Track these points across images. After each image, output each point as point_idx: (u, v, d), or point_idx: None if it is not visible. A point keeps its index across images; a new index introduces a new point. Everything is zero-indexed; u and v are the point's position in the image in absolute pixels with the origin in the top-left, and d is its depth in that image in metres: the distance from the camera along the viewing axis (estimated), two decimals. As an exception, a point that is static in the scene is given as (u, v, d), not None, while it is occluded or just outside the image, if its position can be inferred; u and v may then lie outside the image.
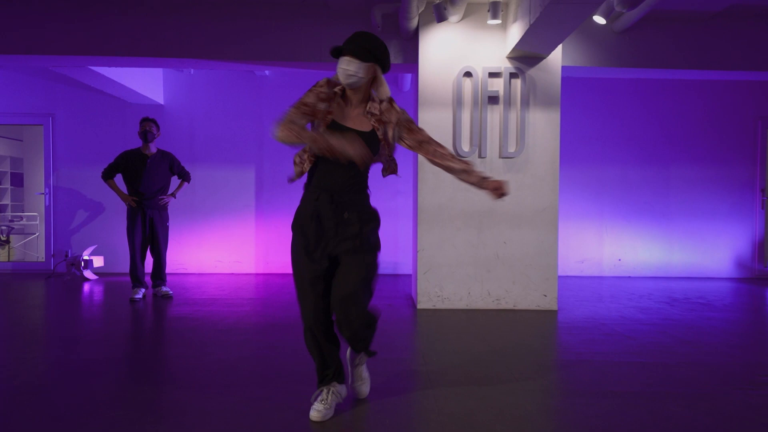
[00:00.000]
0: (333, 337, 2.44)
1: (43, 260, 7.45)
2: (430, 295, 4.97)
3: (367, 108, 2.35)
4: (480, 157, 4.94)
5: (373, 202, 2.51)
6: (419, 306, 4.97)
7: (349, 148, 2.14)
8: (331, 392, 2.42)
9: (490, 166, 4.95)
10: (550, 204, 4.96)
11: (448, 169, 2.43)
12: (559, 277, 6.95)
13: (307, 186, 2.41)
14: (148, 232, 5.31)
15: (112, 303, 5.19)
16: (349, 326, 2.35)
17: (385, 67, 2.37)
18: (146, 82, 6.82)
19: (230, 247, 7.31)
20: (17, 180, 9.42)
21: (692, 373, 3.15)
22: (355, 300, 2.31)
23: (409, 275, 7.08)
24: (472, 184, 2.42)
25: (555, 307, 4.97)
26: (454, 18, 4.84)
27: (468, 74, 4.94)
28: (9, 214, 8.89)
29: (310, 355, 2.46)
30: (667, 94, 7.28)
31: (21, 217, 8.91)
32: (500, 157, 4.95)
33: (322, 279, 2.35)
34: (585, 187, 7.30)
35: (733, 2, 4.91)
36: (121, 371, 3.16)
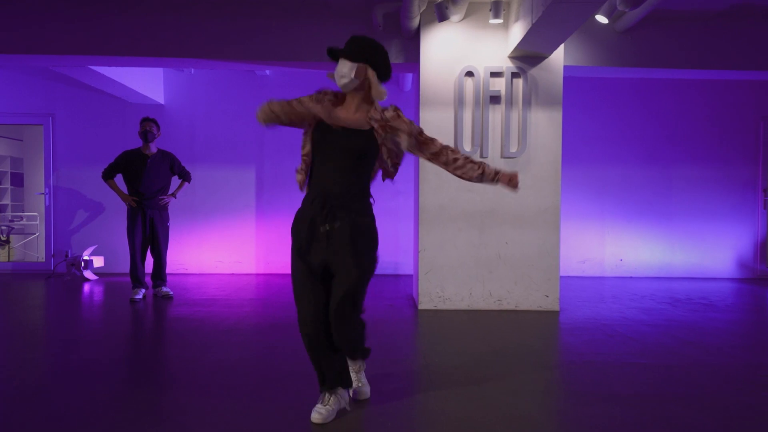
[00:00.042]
0: (332, 342, 2.40)
1: (43, 260, 7.43)
2: (432, 295, 4.95)
3: (370, 114, 2.33)
4: (482, 157, 4.92)
5: (374, 202, 2.44)
6: (420, 307, 4.95)
7: (303, 104, 2.25)
8: (333, 395, 2.40)
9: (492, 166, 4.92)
10: (552, 204, 4.94)
11: (464, 177, 2.42)
12: (561, 277, 6.92)
13: (307, 188, 2.39)
14: (149, 233, 5.29)
15: (112, 303, 5.18)
16: (337, 339, 2.38)
17: (380, 68, 2.31)
18: (146, 82, 6.81)
19: (231, 248, 7.29)
20: (17, 180, 9.40)
21: (695, 375, 3.12)
22: (340, 317, 2.31)
23: (410, 275, 7.06)
24: (488, 182, 2.44)
25: (557, 308, 4.95)
26: (455, 17, 4.82)
27: (469, 74, 4.92)
28: (9, 214, 8.87)
29: (310, 359, 2.43)
30: (669, 93, 7.26)
31: (21, 217, 8.90)
32: (502, 157, 4.92)
33: (318, 283, 2.33)
34: (586, 187, 7.28)
35: (735, 2, 4.89)
36: (121, 372, 3.15)
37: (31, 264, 7.59)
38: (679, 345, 3.79)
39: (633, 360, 3.41)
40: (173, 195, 5.42)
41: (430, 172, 4.92)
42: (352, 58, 2.26)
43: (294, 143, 6.90)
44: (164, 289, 5.43)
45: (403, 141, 2.35)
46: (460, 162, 2.40)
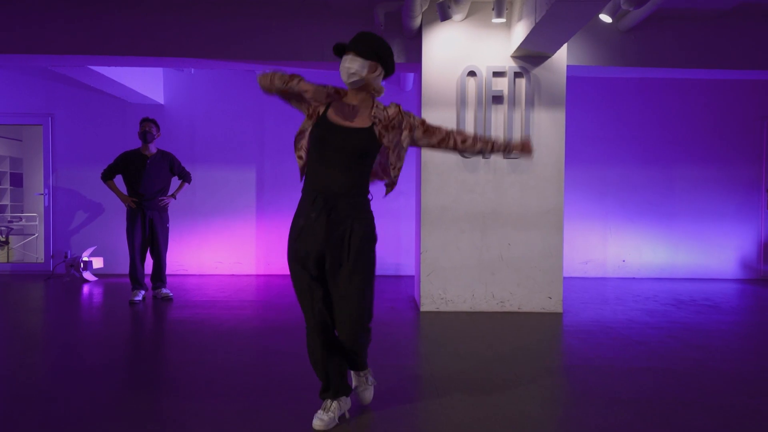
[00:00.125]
0: (336, 346, 2.36)
1: (42, 261, 7.39)
2: (434, 297, 4.91)
3: (372, 113, 2.29)
4: (484, 157, 4.87)
5: (375, 202, 2.38)
6: (422, 308, 4.91)
7: (307, 94, 2.19)
8: (334, 402, 2.36)
9: (494, 167, 4.89)
10: (555, 205, 4.90)
11: (475, 153, 2.46)
12: (563, 278, 6.88)
13: (304, 189, 2.33)
14: (148, 234, 5.25)
15: (112, 305, 5.14)
16: (353, 351, 2.37)
17: (389, 67, 2.31)
18: (146, 82, 6.77)
19: (231, 248, 7.25)
20: (17, 180, 9.36)
21: (701, 379, 3.08)
22: (360, 329, 2.32)
23: (412, 276, 7.02)
24: (504, 153, 2.46)
25: (560, 310, 4.91)
26: (457, 16, 4.78)
27: (472, 74, 4.87)
28: (8, 214, 8.83)
29: (313, 367, 2.39)
30: (671, 93, 7.21)
31: (20, 218, 8.86)
32: (504, 157, 4.88)
33: (319, 285, 2.29)
34: (588, 187, 7.23)
35: (738, 1, 4.84)
36: (120, 375, 3.11)
37: (30, 265, 7.55)
38: (685, 348, 3.74)
39: (639, 364, 3.36)
40: (173, 196, 5.38)
41: (432, 172, 4.88)
42: (365, 56, 2.22)
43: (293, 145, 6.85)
44: (164, 290, 5.39)
45: (406, 138, 2.33)
46: (469, 142, 2.40)
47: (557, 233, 4.90)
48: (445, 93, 4.89)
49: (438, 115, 4.88)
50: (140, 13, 5.06)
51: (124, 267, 6.93)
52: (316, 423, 2.30)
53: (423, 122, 2.37)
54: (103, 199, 7.11)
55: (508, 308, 4.91)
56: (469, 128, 4.89)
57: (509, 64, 4.87)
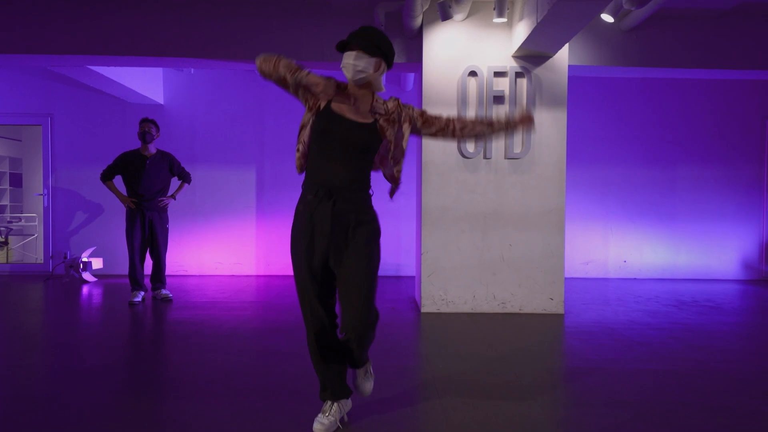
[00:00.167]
0: (337, 348, 2.34)
1: (42, 262, 7.37)
2: (435, 298, 4.89)
3: (373, 107, 2.27)
4: (485, 158, 4.86)
5: (375, 202, 2.36)
6: (423, 310, 4.89)
7: (318, 86, 2.13)
8: (334, 404, 2.33)
9: (495, 167, 4.87)
10: (557, 205, 4.87)
11: (479, 136, 2.38)
12: (564, 279, 6.86)
13: (304, 183, 2.28)
14: (148, 234, 5.23)
15: (111, 306, 5.12)
16: (359, 347, 2.31)
17: (390, 63, 2.29)
18: (146, 82, 6.75)
19: (231, 249, 7.23)
20: (16, 180, 9.34)
21: (707, 382, 3.06)
22: (366, 324, 2.25)
23: (412, 277, 7.00)
24: (507, 131, 2.38)
25: (561, 311, 4.89)
26: (459, 16, 4.76)
27: (473, 73, 4.85)
28: (8, 215, 8.81)
29: (313, 367, 2.36)
30: (673, 93, 7.19)
31: (19, 218, 8.84)
32: (506, 157, 4.86)
33: (319, 285, 2.26)
34: (590, 187, 7.21)
35: (740, 1, 4.82)
36: (120, 377, 3.09)
37: (29, 265, 7.53)
38: (687, 350, 3.72)
39: (641, 366, 3.34)
40: (173, 197, 5.36)
41: (433, 173, 4.86)
42: (371, 53, 2.19)
43: (295, 144, 6.83)
44: (163, 291, 5.37)
45: (407, 131, 2.31)
46: (468, 128, 2.34)
47: (559, 234, 4.88)
48: (445, 93, 4.87)
49: (439, 116, 4.85)
50: (140, 13, 5.05)
51: (123, 268, 6.91)
52: (317, 427, 2.27)
53: (422, 113, 2.34)
54: (103, 200, 7.09)
55: (509, 309, 4.89)
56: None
57: (510, 64, 4.85)
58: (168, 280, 6.44)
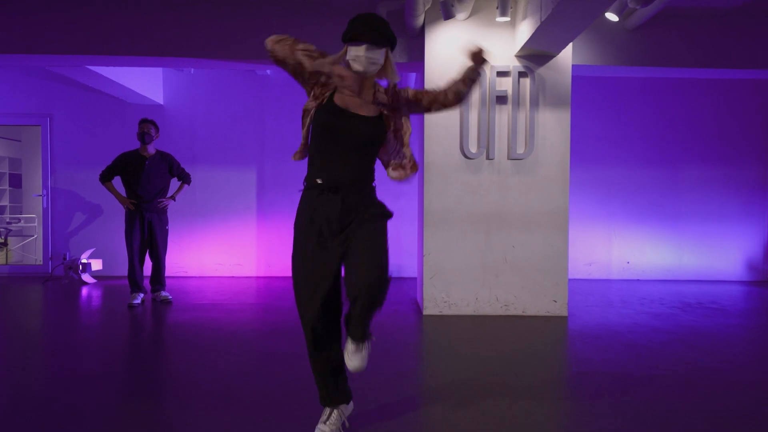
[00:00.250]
0: (338, 355, 2.28)
1: (41, 263, 7.33)
2: (437, 300, 4.84)
3: (376, 98, 2.19)
4: (488, 158, 4.80)
5: (375, 186, 2.31)
6: (425, 312, 4.84)
7: (345, 81, 2.01)
8: (335, 411, 2.28)
9: (499, 168, 4.81)
10: (560, 206, 4.82)
11: (458, 95, 2.26)
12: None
13: (307, 179, 2.21)
14: (147, 236, 5.18)
15: (110, 308, 5.07)
16: (364, 311, 2.09)
17: (394, 49, 2.24)
18: (146, 82, 6.70)
19: (231, 250, 7.18)
20: (16, 181, 9.29)
21: (713, 388, 3.00)
22: (376, 280, 2.06)
23: (414, 278, 6.95)
24: (472, 77, 2.27)
25: (565, 313, 4.83)
26: (461, 15, 4.70)
27: (475, 73, 4.79)
28: (7, 216, 8.77)
29: (312, 369, 2.30)
30: (676, 93, 7.13)
31: (19, 219, 8.79)
32: (509, 158, 4.81)
33: (328, 286, 2.16)
34: (592, 188, 7.16)
35: (746, 0, 4.77)
36: (119, 381, 3.04)
37: (28, 267, 7.48)
38: (694, 353, 3.67)
39: (651, 372, 3.27)
40: (172, 198, 5.31)
41: (435, 174, 4.81)
42: (380, 44, 2.13)
43: (296, 144, 6.78)
44: (163, 293, 5.32)
45: (407, 121, 2.27)
46: (452, 89, 2.25)
47: (562, 235, 4.82)
48: (448, 93, 4.81)
49: (441, 116, 4.80)
50: (140, 13, 5.00)
51: (123, 269, 6.86)
52: (318, 434, 2.22)
53: (415, 93, 2.27)
54: (102, 201, 7.04)
55: (512, 312, 4.84)
56: (474, 129, 4.82)
57: (513, 64, 4.79)
58: (168, 282, 6.40)
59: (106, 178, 5.16)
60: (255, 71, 6.94)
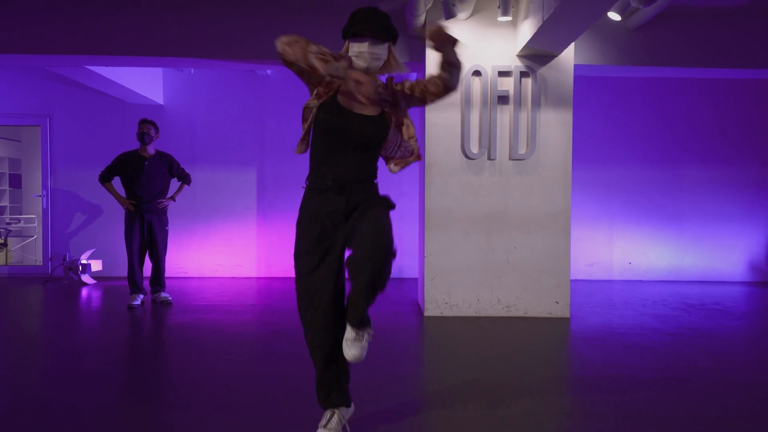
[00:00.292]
0: (340, 357, 2.25)
1: (41, 264, 7.31)
2: (438, 302, 4.81)
3: (379, 95, 2.14)
4: (489, 159, 4.78)
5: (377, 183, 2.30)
6: (426, 313, 4.81)
7: (361, 87, 1.94)
8: (335, 415, 2.25)
9: (500, 168, 4.79)
10: (562, 207, 4.80)
11: (445, 81, 2.17)
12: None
13: (310, 177, 2.19)
14: (147, 237, 5.16)
15: (110, 309, 5.05)
16: (367, 287, 1.97)
17: (396, 43, 2.21)
18: (145, 83, 6.68)
19: (231, 251, 7.15)
20: (15, 181, 9.27)
21: (718, 390, 2.97)
22: (381, 250, 1.97)
23: (415, 279, 6.93)
24: (448, 60, 2.15)
25: (567, 315, 4.81)
26: (462, 15, 4.68)
27: (477, 73, 4.77)
28: (7, 216, 8.75)
29: (315, 373, 2.28)
30: (677, 93, 7.11)
31: (18, 220, 8.77)
32: (510, 158, 4.78)
33: (331, 286, 2.14)
34: (594, 188, 7.13)
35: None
36: (118, 382, 3.02)
37: (28, 267, 7.46)
38: (698, 356, 3.64)
39: (655, 375, 3.24)
40: (172, 198, 5.28)
41: (436, 174, 4.79)
42: (383, 39, 2.10)
43: (296, 144, 6.78)
44: (163, 294, 5.30)
45: (407, 118, 2.25)
46: (442, 75, 2.17)
47: (564, 236, 4.80)
48: (449, 93, 4.79)
49: (442, 116, 4.78)
50: (140, 13, 4.99)
51: (123, 270, 6.83)
52: (319, 438, 2.20)
53: (411, 86, 2.22)
54: (102, 201, 7.02)
55: (514, 313, 4.82)
56: (475, 129, 4.80)
57: (515, 64, 4.77)
58: (168, 283, 6.37)
59: (105, 178, 5.14)
60: (255, 71, 6.92)
